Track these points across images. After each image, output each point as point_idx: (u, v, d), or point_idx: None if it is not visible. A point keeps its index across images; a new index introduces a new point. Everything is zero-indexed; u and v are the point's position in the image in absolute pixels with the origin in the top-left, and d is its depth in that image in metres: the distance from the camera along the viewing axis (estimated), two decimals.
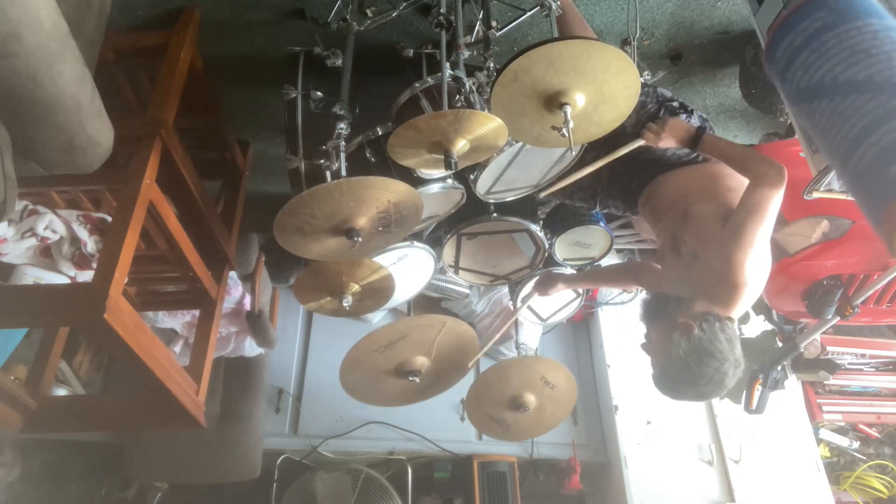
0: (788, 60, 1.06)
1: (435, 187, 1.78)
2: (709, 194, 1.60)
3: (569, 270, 2.47)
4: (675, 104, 1.76)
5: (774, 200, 1.40)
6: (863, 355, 3.48)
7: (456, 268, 2.34)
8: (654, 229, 1.79)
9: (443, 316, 2.06)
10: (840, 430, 3.64)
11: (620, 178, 1.87)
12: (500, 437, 2.44)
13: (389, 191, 1.46)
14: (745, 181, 1.47)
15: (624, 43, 2.06)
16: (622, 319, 3.46)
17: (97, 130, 1.28)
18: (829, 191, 1.58)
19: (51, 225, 1.58)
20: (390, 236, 1.65)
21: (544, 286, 2.16)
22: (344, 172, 1.54)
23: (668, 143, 1.61)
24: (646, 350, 1.53)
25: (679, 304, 1.46)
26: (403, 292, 2.35)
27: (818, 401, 3.51)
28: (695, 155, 1.73)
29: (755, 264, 1.39)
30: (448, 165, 1.38)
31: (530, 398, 2.24)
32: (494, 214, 2.08)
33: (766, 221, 1.39)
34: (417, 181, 1.74)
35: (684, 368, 1.38)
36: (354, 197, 1.44)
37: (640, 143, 1.64)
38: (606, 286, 2.19)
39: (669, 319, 1.44)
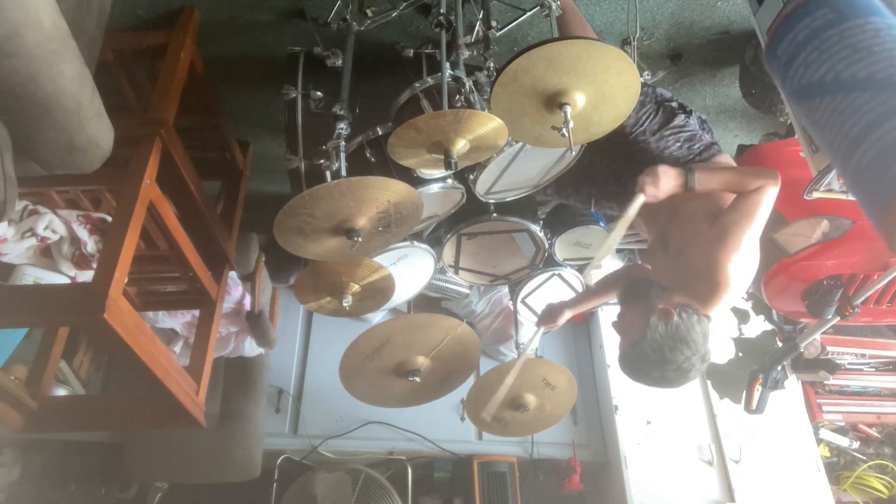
0: (790, 58, 1.06)
1: (435, 187, 1.78)
2: (701, 193, 1.60)
3: (568, 270, 2.47)
4: (674, 104, 1.76)
5: (766, 205, 1.41)
6: (863, 355, 3.48)
7: (456, 268, 2.34)
8: (648, 227, 1.79)
9: (425, 316, 2.07)
10: (840, 430, 3.64)
11: (618, 180, 1.87)
12: (499, 434, 2.45)
13: (389, 191, 1.46)
14: None
15: (624, 43, 2.06)
16: None
17: (97, 130, 1.28)
18: (829, 191, 1.58)
19: (51, 225, 1.58)
20: (390, 236, 1.65)
21: (551, 319, 2.12)
22: (344, 172, 1.54)
23: (665, 191, 1.53)
24: (616, 328, 1.54)
25: (662, 291, 1.47)
26: (403, 292, 2.36)
27: (818, 401, 3.51)
28: (691, 156, 1.73)
29: (738, 266, 1.39)
30: (448, 165, 1.38)
31: (530, 398, 2.25)
32: (494, 214, 2.08)
33: (755, 224, 1.40)
34: (417, 181, 1.74)
35: (658, 351, 1.39)
36: (354, 197, 1.44)
37: (642, 199, 1.55)
38: (605, 298, 2.15)
39: (649, 303, 1.45)
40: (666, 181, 1.53)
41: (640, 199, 1.57)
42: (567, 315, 2.12)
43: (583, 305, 2.23)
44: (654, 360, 1.41)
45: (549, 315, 2.13)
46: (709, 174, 1.55)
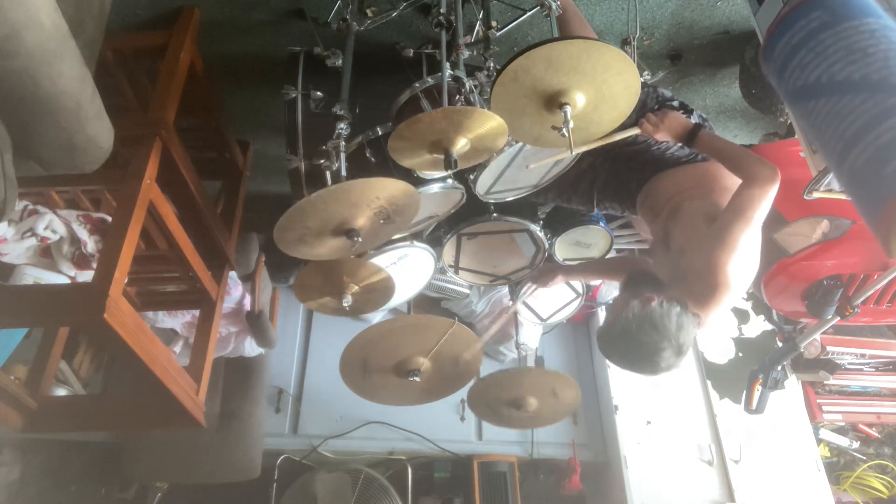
0: (785, 59, 1.06)
1: (435, 187, 1.78)
2: (703, 192, 1.60)
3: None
4: (675, 104, 1.76)
5: (764, 203, 1.39)
6: (863, 355, 3.49)
7: (456, 268, 2.34)
8: (651, 227, 1.79)
9: (426, 317, 2.06)
10: (840, 430, 3.64)
11: (620, 178, 1.87)
12: (499, 424, 2.44)
13: (375, 188, 1.43)
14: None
15: (624, 43, 2.06)
16: None
17: (97, 130, 1.28)
18: (829, 191, 1.58)
19: (51, 225, 1.58)
20: (394, 226, 1.63)
21: (545, 276, 2.17)
22: (344, 172, 1.54)
23: (664, 135, 1.61)
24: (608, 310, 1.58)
25: (657, 284, 1.49)
26: (403, 292, 2.35)
27: (818, 401, 3.51)
28: (694, 154, 1.73)
29: (737, 267, 1.38)
30: (448, 165, 1.38)
31: (531, 400, 2.25)
32: (494, 214, 2.08)
33: (752, 224, 1.38)
34: (417, 181, 1.74)
35: (626, 329, 1.41)
36: (342, 204, 1.42)
37: (636, 131, 1.64)
38: (602, 278, 2.19)
39: (638, 290, 1.46)
40: (670, 124, 1.59)
41: (634, 131, 1.63)
42: (559, 279, 2.17)
43: (576, 275, 2.27)
44: (622, 340, 1.44)
45: (543, 273, 2.18)
46: (712, 138, 1.57)
